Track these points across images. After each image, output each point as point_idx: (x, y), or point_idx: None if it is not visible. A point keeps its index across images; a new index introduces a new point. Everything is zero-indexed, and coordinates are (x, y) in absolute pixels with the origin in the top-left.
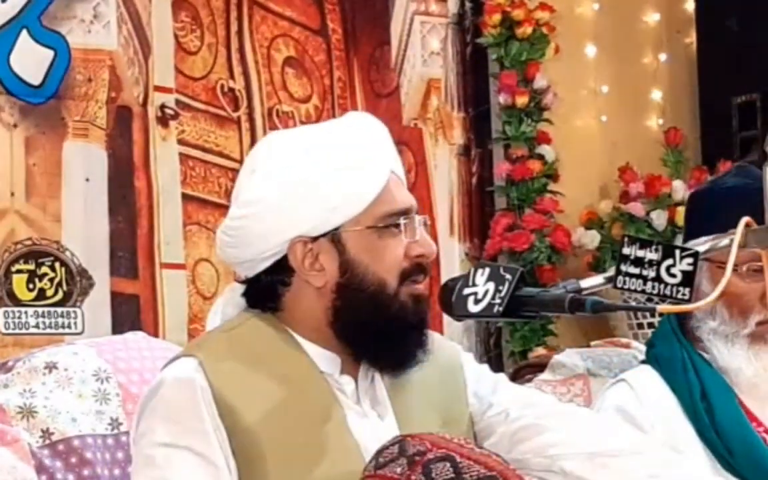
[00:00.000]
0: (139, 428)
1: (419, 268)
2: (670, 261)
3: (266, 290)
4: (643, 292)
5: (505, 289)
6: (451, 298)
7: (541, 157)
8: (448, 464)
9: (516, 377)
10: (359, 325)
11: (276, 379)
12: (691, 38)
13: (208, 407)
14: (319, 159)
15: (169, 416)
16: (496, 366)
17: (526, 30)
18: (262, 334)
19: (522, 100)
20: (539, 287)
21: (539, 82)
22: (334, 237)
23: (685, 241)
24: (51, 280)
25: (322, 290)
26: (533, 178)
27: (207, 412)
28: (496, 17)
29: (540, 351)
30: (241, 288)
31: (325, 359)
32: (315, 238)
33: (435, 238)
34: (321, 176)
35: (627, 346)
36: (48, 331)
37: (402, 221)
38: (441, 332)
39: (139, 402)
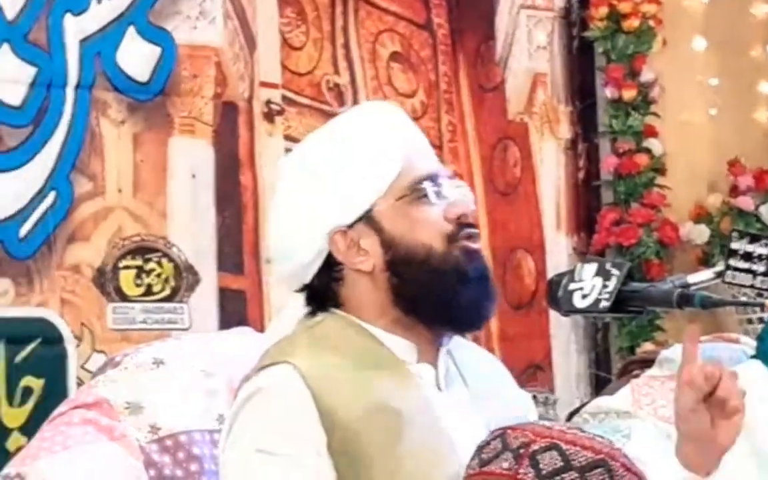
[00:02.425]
0: (232, 433)
1: (464, 226)
2: None
3: (323, 292)
4: (752, 287)
5: (612, 284)
6: (558, 294)
7: (648, 150)
8: (555, 453)
9: (624, 373)
10: (421, 293)
11: (364, 374)
12: None
13: (307, 413)
14: (335, 148)
15: (267, 423)
16: (604, 362)
17: (633, 23)
18: (340, 330)
19: (629, 94)
20: (646, 282)
21: (646, 76)
22: (368, 219)
23: None
24: (158, 275)
25: (374, 274)
26: (640, 172)
27: (306, 419)
28: (603, 10)
29: (648, 346)
30: (302, 298)
31: (401, 348)
32: (351, 225)
33: (541, 232)
34: (340, 164)
35: (736, 341)
36: (155, 326)
37: (428, 186)
38: (547, 329)
39: (233, 408)
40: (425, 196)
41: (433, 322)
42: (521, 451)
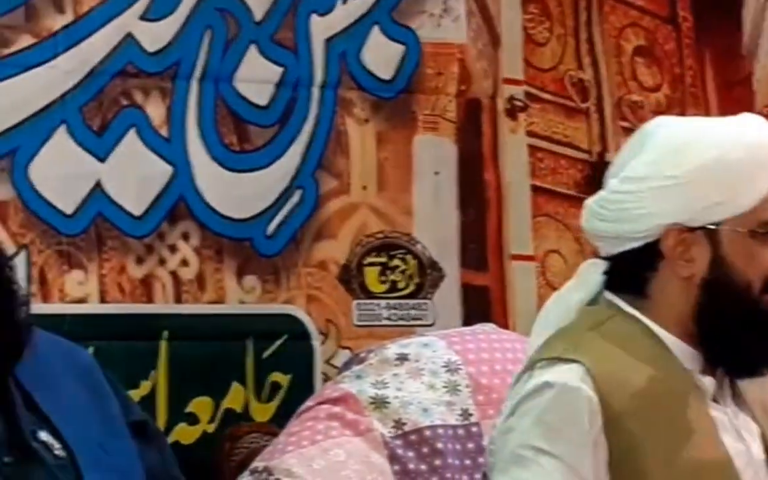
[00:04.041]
0: (508, 422)
1: None
2: None
3: (632, 272)
4: None
5: None
6: None
7: None
8: None
9: None
10: (723, 323)
11: (651, 382)
12: None
13: (592, 419)
14: (711, 152)
15: (548, 422)
16: None
17: None
18: (630, 331)
19: None
20: None
21: None
22: (711, 232)
23: None
24: (402, 272)
25: (687, 282)
26: None
27: (590, 425)
28: None
29: None
30: (602, 265)
31: (687, 356)
32: (691, 229)
33: None
34: (711, 169)
35: None
36: (400, 323)
37: None
38: None
39: (515, 397)
40: None
41: (720, 353)
42: None
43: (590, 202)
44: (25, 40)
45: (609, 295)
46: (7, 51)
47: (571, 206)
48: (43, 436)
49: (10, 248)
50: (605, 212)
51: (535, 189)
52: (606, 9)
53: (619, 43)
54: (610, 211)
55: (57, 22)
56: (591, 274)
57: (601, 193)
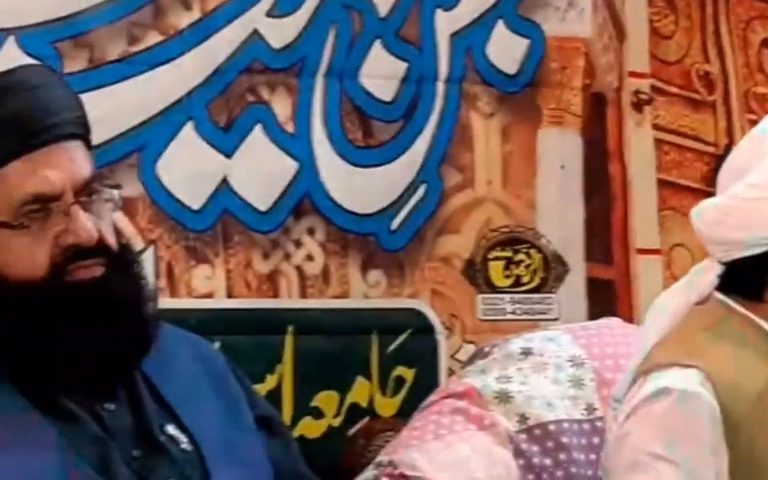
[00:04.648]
0: (624, 426)
1: None
2: None
3: (751, 276)
4: None
5: None
6: None
7: None
8: None
9: None
10: None
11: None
12: None
13: (712, 426)
14: None
15: (667, 428)
16: None
17: None
18: (743, 332)
19: None
20: None
21: None
22: None
23: None
24: (527, 266)
25: None
26: None
27: (710, 432)
28: None
29: None
30: (713, 267)
31: None
32: None
33: None
34: None
35: None
36: (524, 317)
37: None
38: None
39: (630, 401)
40: None
41: None
42: None
43: (708, 206)
44: (153, 38)
45: (719, 296)
46: (134, 49)
47: (697, 200)
48: (171, 429)
49: (138, 244)
50: (729, 219)
51: (661, 182)
52: (732, 1)
53: (746, 35)
54: (728, 216)
55: (184, 19)
56: (702, 275)
57: (721, 199)
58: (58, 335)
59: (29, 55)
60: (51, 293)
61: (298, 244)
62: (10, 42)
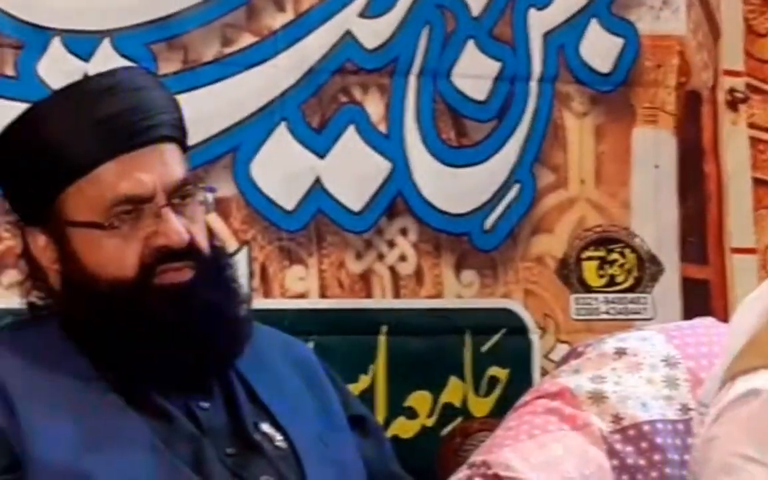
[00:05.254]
0: (712, 430)
1: None
2: None
3: None
4: None
5: None
6: None
7: None
8: None
9: None
10: None
11: None
12: None
13: None
14: None
15: (757, 430)
16: None
17: None
18: None
19: None
20: None
21: None
22: None
23: None
24: (621, 266)
25: None
26: None
27: None
28: None
29: None
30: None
31: None
32: None
33: None
34: None
35: None
36: (618, 317)
37: None
38: None
39: (717, 404)
40: None
41: None
42: None
43: None
44: (246, 39)
45: None
46: (228, 50)
47: None
48: (265, 427)
49: (232, 245)
50: None
51: (757, 181)
52: None
53: None
54: None
55: (277, 20)
56: None
57: None
58: (151, 335)
59: (124, 56)
60: (140, 294)
61: (391, 244)
62: (105, 44)
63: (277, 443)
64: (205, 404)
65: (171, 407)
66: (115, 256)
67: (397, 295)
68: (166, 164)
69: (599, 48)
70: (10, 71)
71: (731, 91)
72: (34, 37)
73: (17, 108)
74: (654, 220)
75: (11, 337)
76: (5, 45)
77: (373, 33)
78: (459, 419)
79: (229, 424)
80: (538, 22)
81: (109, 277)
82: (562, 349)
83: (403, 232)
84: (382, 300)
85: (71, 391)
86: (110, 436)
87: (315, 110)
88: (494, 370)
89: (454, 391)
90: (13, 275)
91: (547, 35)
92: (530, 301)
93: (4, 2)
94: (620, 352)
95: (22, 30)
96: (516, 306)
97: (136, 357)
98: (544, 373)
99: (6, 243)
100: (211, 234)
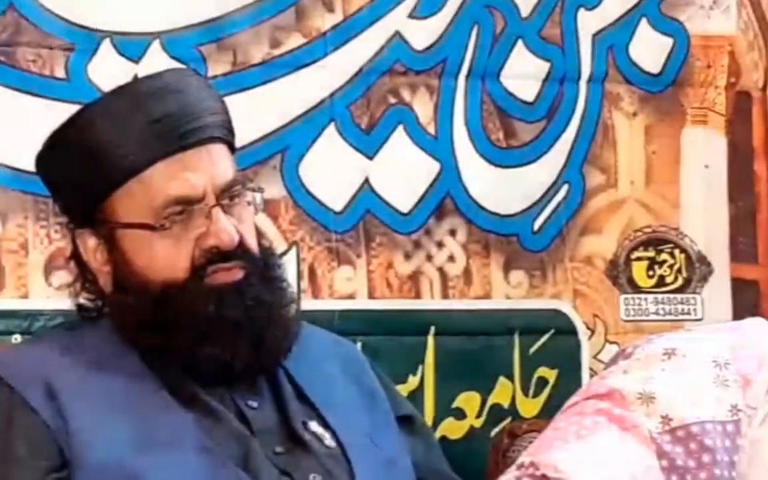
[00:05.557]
0: (761, 430)
1: None
2: None
3: None
4: None
5: None
6: None
7: None
8: None
9: None
10: None
11: None
12: None
13: None
14: None
15: None
16: None
17: None
18: None
19: None
20: None
21: None
22: None
23: None
24: (670, 266)
25: None
26: None
27: None
28: None
29: None
30: None
31: None
32: None
33: None
34: None
35: None
36: (667, 317)
37: None
38: None
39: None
40: None
41: None
42: None
43: None
44: (295, 41)
45: None
46: (277, 51)
47: None
48: (314, 426)
49: (281, 246)
50: None
51: None
52: None
53: None
54: None
55: (326, 21)
56: None
57: None
58: (201, 334)
59: (174, 58)
60: (191, 294)
61: (439, 245)
62: (155, 46)
63: (326, 442)
64: (254, 403)
65: (220, 406)
66: (166, 257)
67: (445, 295)
68: (216, 165)
69: (649, 48)
70: (61, 73)
71: None
72: (85, 40)
73: (68, 110)
74: (704, 220)
75: (62, 337)
76: (56, 47)
77: (422, 34)
78: (507, 420)
79: (277, 422)
80: (588, 23)
81: (160, 277)
82: (611, 350)
83: (452, 232)
84: (430, 301)
85: (122, 390)
86: (161, 435)
87: (364, 111)
88: (543, 371)
89: (502, 391)
90: (63, 277)
91: (597, 35)
92: (579, 301)
93: (55, 5)
94: (669, 353)
95: (73, 32)
96: (565, 307)
97: (186, 356)
98: (593, 374)
99: (56, 245)
100: (259, 234)
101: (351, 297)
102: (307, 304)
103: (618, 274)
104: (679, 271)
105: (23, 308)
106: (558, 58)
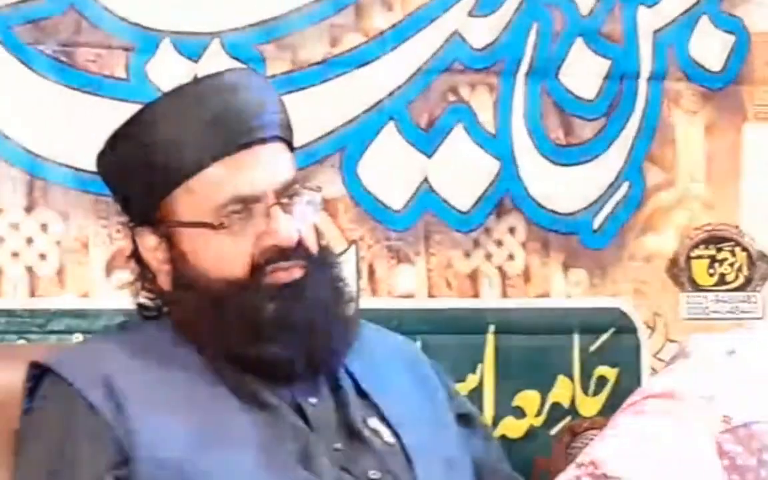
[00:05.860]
0: None
1: None
2: None
3: None
4: None
5: None
6: None
7: None
8: None
9: None
10: None
11: None
12: None
13: None
14: None
15: None
16: None
17: None
18: None
19: None
20: None
21: None
22: None
23: None
24: (731, 264)
25: None
26: None
27: None
28: None
29: None
30: None
31: None
32: None
33: None
34: None
35: None
36: (728, 316)
37: None
38: None
39: None
40: None
41: None
42: None
43: None
44: (354, 40)
45: None
46: (336, 50)
47: None
48: (373, 423)
49: (340, 244)
50: None
51: None
52: None
53: None
54: None
55: (385, 20)
56: None
57: None
58: (261, 332)
59: (233, 57)
60: (251, 293)
61: (499, 243)
62: (215, 45)
63: (386, 438)
64: (313, 400)
65: (280, 403)
66: (226, 255)
67: (505, 294)
68: (275, 164)
69: (709, 45)
70: (121, 73)
71: None
72: (144, 40)
73: (128, 110)
74: (765, 218)
75: (122, 336)
76: (116, 47)
77: (481, 32)
78: (567, 419)
79: (337, 419)
80: (648, 20)
81: (220, 276)
82: (671, 349)
83: (511, 231)
84: (490, 299)
85: (182, 388)
86: (221, 433)
87: (423, 110)
88: (603, 370)
89: (562, 390)
90: (123, 276)
91: (657, 33)
92: (639, 300)
93: (115, 5)
94: (729, 352)
95: (133, 32)
96: (625, 305)
97: (247, 354)
98: (653, 372)
99: (117, 244)
100: (317, 233)
101: (410, 296)
102: (366, 303)
103: (678, 272)
104: (739, 269)
105: (84, 307)
106: (618, 55)
